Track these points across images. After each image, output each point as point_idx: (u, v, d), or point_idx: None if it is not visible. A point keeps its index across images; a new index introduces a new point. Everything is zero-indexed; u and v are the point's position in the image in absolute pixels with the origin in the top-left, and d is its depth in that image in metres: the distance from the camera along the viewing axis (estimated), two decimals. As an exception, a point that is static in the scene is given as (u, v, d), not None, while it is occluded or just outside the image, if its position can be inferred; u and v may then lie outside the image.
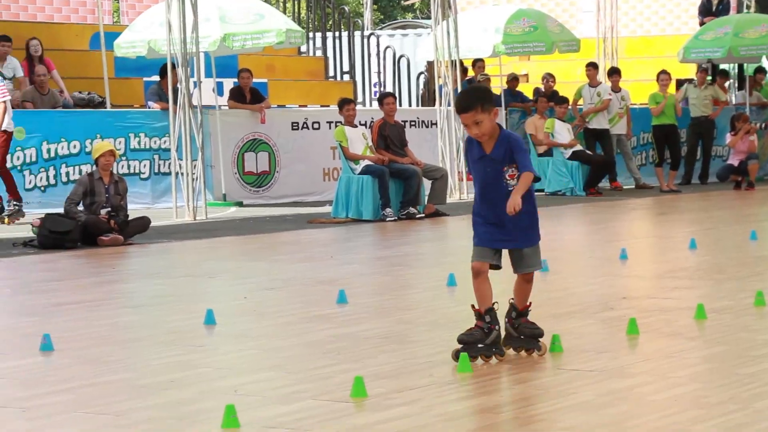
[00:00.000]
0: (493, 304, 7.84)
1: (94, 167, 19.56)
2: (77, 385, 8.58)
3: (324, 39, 39.20)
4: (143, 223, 19.67)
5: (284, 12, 36.09)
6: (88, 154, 23.33)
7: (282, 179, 28.39)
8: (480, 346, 7.79)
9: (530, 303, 8.14)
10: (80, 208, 19.00)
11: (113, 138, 23.84)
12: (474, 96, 7.57)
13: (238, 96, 28.25)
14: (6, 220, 20.96)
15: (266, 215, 25.00)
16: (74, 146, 25.13)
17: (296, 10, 40.95)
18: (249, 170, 27.78)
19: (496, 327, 7.81)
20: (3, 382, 8.99)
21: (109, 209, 18.71)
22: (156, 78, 27.77)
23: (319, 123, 28.45)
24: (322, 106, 31.85)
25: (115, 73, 29.58)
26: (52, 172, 24.86)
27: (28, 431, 7.31)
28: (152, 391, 8.34)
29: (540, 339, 8.07)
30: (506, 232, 7.70)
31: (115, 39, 28.52)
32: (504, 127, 28.12)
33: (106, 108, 27.81)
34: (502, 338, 7.99)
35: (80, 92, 28.80)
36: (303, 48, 36.87)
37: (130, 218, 19.36)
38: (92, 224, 18.55)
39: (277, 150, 28.06)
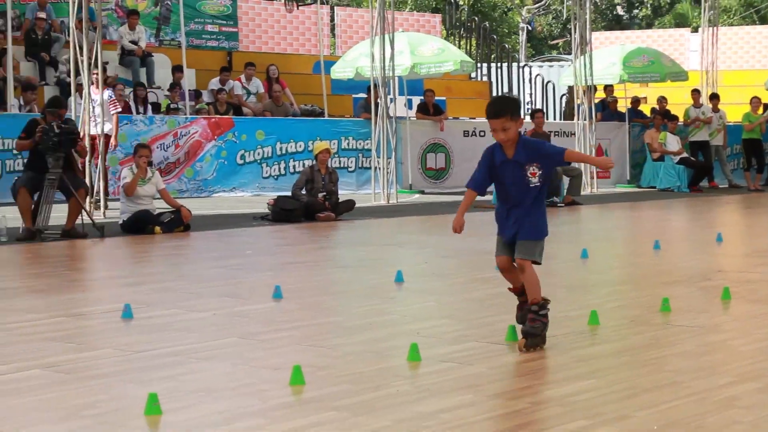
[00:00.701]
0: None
1: (314, 161, 19.91)
2: (300, 324, 9.01)
3: (489, 68, 39.88)
4: (350, 205, 19.97)
5: (459, 47, 36.04)
6: (309, 152, 23.70)
7: (455, 174, 27.43)
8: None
9: (544, 299, 6.88)
10: (303, 192, 19.20)
11: (329, 140, 23.95)
12: (506, 105, 6.88)
13: (423, 110, 28.68)
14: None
15: (442, 201, 24.66)
16: (300, 146, 25.43)
17: (468, 45, 41.00)
18: (430, 166, 27.84)
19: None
20: (245, 321, 9.31)
21: (325, 193, 19.15)
22: (362, 95, 28.04)
23: (484, 131, 26.77)
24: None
25: (331, 91, 29.97)
26: (282, 165, 25.24)
27: (263, 357, 7.61)
28: (355, 331, 8.76)
29: (530, 337, 6.81)
30: (514, 223, 6.86)
31: (332, 66, 29.04)
32: (626, 137, 27.01)
33: (324, 117, 28.39)
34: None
35: (305, 105, 29.28)
36: (473, 74, 37.16)
37: (340, 201, 19.70)
38: (312, 204, 18.95)
39: (452, 151, 28.00)
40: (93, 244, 15.58)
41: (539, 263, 6.97)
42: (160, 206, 17.30)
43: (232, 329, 8.77)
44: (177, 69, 26.31)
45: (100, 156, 19.11)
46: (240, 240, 16.89)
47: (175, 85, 25.87)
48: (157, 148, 22.60)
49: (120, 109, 20.59)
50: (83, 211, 15.69)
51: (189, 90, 26.15)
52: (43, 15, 25.45)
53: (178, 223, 16.67)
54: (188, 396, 6.48)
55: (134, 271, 13.43)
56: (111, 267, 13.99)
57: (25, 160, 17.00)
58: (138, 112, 24.17)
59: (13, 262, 14.21)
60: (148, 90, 25.65)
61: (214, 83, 27.15)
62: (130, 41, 26.87)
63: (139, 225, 16.39)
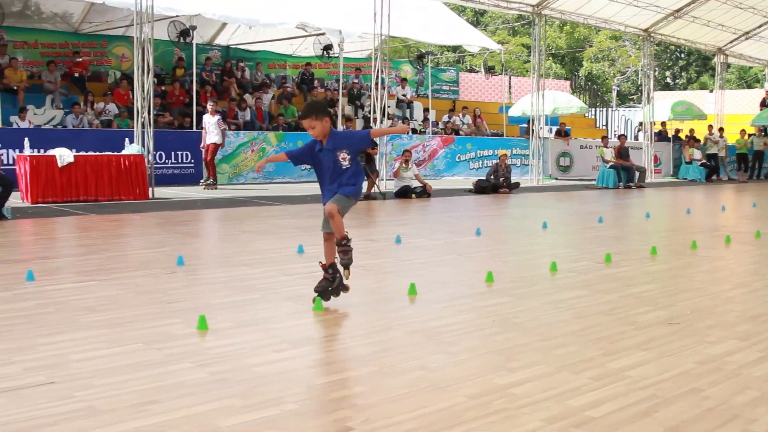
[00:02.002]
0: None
1: (498, 160, 21.30)
2: (493, 250, 10.74)
3: (595, 111, 42.81)
4: (517, 185, 21.38)
5: (579, 98, 36.00)
6: (495, 155, 25.63)
7: (575, 169, 29.30)
8: (330, 290, 6.40)
9: (346, 236, 6.27)
10: (492, 177, 20.63)
11: (506, 149, 25.48)
12: (310, 108, 6.20)
13: (558, 133, 30.08)
14: (204, 186, 19.26)
15: (567, 184, 26.13)
16: (489, 152, 27.83)
17: (584, 98, 42.78)
18: (561, 164, 29.06)
19: (338, 275, 6.37)
20: (460, 245, 10.93)
21: (503, 178, 20.68)
22: (524, 125, 29.07)
23: (592, 145, 29.47)
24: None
25: (508, 122, 30.64)
26: (480, 162, 27.64)
27: (468, 265, 9.44)
28: (516, 254, 10.58)
29: (348, 266, 6.35)
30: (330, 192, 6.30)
31: (509, 108, 31.17)
32: (671, 151, 30.71)
33: (503, 137, 29.70)
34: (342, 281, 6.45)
35: (493, 130, 30.87)
36: (586, 114, 38.47)
37: (512, 182, 21.01)
38: (496, 185, 20.16)
39: (573, 156, 29.34)
40: (377, 203, 17.15)
41: (342, 215, 6.15)
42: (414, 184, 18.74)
43: (454, 249, 9.70)
44: (425, 110, 29.31)
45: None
46: (458, 202, 17.50)
47: (425, 119, 29.05)
48: (415, 152, 24.58)
49: (225, 127, 20.35)
50: (376, 183, 18.08)
51: (432, 120, 29.18)
52: (356, 80, 29.15)
53: (425, 192, 18.42)
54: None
55: (405, 218, 14.43)
56: (390, 215, 14.88)
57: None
58: (407, 133, 26.66)
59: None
60: (410, 121, 28.80)
61: (445, 117, 30.23)
62: (402, 95, 29.93)
63: (404, 193, 18.45)
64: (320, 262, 6.46)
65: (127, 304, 6.34)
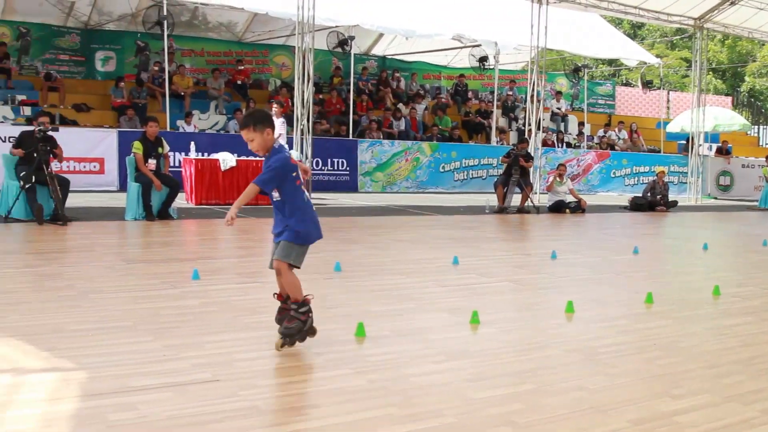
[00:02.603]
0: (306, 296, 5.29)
1: (656, 177, 20.40)
2: (647, 268, 10.86)
3: (758, 129, 40.85)
4: (674, 203, 20.77)
5: (742, 115, 35.60)
6: (652, 172, 25.08)
7: (736, 189, 28.67)
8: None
9: (304, 299, 5.23)
10: (648, 195, 20.16)
11: (664, 165, 24.36)
12: (249, 118, 5.13)
13: (719, 151, 29.62)
14: None
15: (727, 204, 25.19)
16: (646, 168, 27.26)
17: (746, 115, 41.42)
18: (721, 183, 28.60)
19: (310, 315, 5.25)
20: (614, 264, 11.01)
21: (660, 196, 20.00)
22: (683, 142, 28.30)
23: (754, 164, 28.58)
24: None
25: (665, 139, 30.10)
26: (636, 179, 27.16)
27: (625, 286, 9.47)
28: (679, 275, 10.44)
29: (287, 338, 5.16)
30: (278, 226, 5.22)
31: (667, 124, 30.49)
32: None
33: (660, 153, 29.09)
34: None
35: (650, 146, 30.25)
36: (749, 132, 37.29)
37: (669, 200, 20.42)
38: (653, 202, 19.62)
39: (735, 175, 28.76)
40: (530, 216, 17.08)
41: (297, 267, 5.20)
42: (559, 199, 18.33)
43: (611, 267, 9.49)
44: (581, 124, 29.17)
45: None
46: (613, 219, 17.31)
47: (579, 133, 28.91)
48: (569, 166, 23.65)
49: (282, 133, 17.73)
50: (529, 197, 17.71)
51: (586, 135, 28.93)
52: (511, 93, 29.20)
53: (579, 208, 18.08)
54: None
55: (559, 233, 14.20)
56: (544, 229, 14.74)
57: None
58: (558, 147, 27.01)
59: (495, 223, 15.59)
60: (564, 134, 28.65)
61: (600, 132, 29.78)
62: (556, 108, 29.78)
63: (557, 207, 18.15)
64: (275, 294, 5.40)
65: (284, 307, 6.42)
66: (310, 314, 5.23)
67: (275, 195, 5.18)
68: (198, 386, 4.37)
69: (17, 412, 3.93)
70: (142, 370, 4.63)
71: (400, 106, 25.82)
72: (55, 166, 12.62)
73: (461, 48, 27.43)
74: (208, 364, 4.76)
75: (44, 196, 12.13)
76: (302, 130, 17.49)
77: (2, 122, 18.97)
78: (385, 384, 4.51)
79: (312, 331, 5.30)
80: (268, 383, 4.49)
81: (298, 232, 5.19)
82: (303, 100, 17.36)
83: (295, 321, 5.17)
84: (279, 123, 17.21)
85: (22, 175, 12.05)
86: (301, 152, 17.25)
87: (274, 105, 18.03)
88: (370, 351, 5.23)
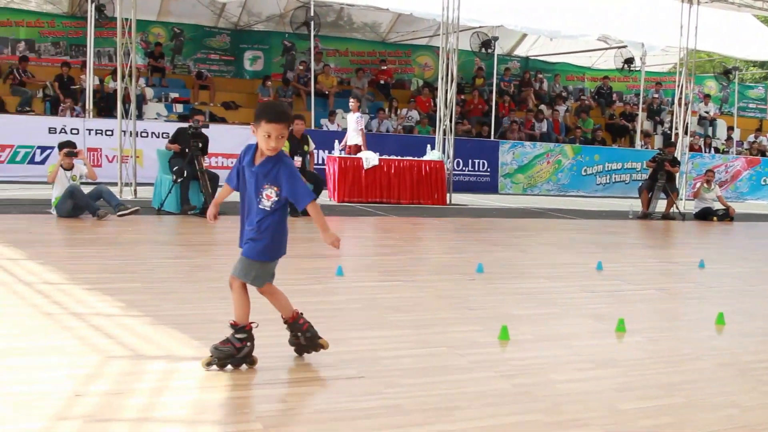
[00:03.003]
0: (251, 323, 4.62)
1: None
2: None
3: None
4: None
5: None
6: None
7: None
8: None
9: (247, 325, 4.60)
10: None
11: None
12: (288, 113, 4.57)
13: None
14: None
15: None
16: None
17: None
18: None
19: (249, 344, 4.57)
20: None
21: None
22: None
23: None
24: None
25: None
26: None
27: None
28: None
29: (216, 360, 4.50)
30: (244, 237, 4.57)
31: None
32: None
33: None
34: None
35: None
36: None
37: None
38: None
39: None
40: (676, 223, 16.49)
41: (257, 286, 4.64)
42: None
43: (764, 279, 9.15)
44: (730, 128, 28.10)
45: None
46: (763, 228, 16.68)
47: (728, 138, 27.65)
48: (717, 172, 22.25)
49: (362, 128, 17.38)
50: (675, 203, 17.11)
51: (736, 140, 27.83)
52: (657, 95, 28.32)
53: (727, 216, 17.36)
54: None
55: (706, 241, 13.63)
56: (690, 236, 14.20)
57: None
58: (706, 152, 26.20)
59: (639, 229, 15.05)
60: (712, 139, 27.46)
61: (751, 137, 28.70)
62: (704, 111, 28.77)
63: (704, 215, 17.33)
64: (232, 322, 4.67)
65: (430, 307, 6.45)
66: (248, 343, 4.57)
67: (267, 202, 4.52)
68: (344, 382, 4.42)
69: (171, 398, 4.05)
70: (289, 364, 4.71)
71: (543, 107, 25.50)
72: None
73: (606, 49, 26.84)
74: (354, 360, 4.80)
75: (195, 190, 12.49)
76: (444, 130, 17.52)
77: (156, 119, 19.74)
78: (529, 389, 4.44)
79: (252, 361, 4.60)
80: (412, 382, 4.46)
81: (266, 247, 4.60)
82: (446, 100, 17.37)
83: (228, 345, 4.52)
84: (354, 118, 17.24)
85: (174, 169, 12.46)
86: (443, 152, 17.27)
87: (351, 99, 17.93)
88: (513, 354, 5.17)
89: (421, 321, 5.91)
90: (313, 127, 19.17)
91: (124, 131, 14.78)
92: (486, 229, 12.77)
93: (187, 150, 12.47)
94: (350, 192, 15.69)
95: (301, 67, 23.11)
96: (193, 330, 5.34)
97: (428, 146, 17.46)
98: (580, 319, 6.31)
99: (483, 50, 22.39)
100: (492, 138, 22.33)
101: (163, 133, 17.51)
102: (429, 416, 3.96)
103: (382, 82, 24.86)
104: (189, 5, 22.91)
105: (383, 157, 16.26)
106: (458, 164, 20.20)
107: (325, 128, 20.43)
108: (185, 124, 13.11)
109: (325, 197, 14.56)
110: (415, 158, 16.77)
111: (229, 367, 4.48)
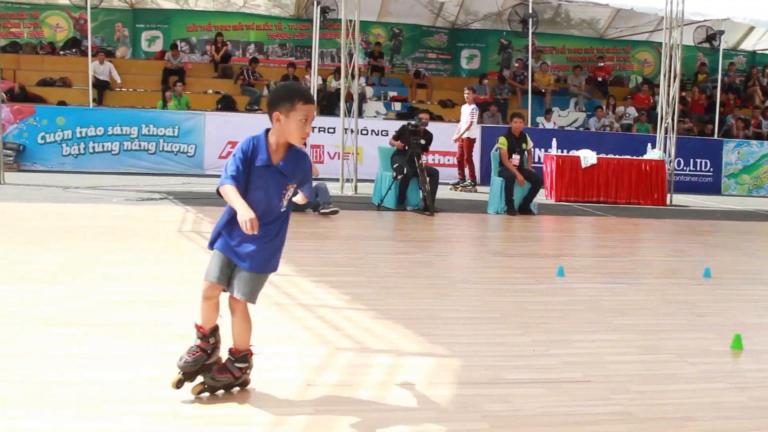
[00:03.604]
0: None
1: None
2: None
3: None
4: None
5: None
6: None
7: None
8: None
9: (245, 354, 4.02)
10: None
11: None
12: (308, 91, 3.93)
13: None
14: (458, 188, 16.47)
15: None
16: None
17: None
18: None
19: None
20: None
21: None
22: None
23: None
24: None
25: None
26: None
27: None
28: None
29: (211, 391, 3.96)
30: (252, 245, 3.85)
31: None
32: None
33: None
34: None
35: None
36: None
37: None
38: None
39: None
40: None
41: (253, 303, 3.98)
42: None
43: None
44: None
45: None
46: None
47: None
48: None
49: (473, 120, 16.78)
50: None
51: None
52: None
53: None
54: None
55: None
56: None
57: None
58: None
59: None
60: None
61: None
62: None
63: None
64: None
65: (657, 312, 6.22)
66: (248, 371, 4.08)
67: (284, 202, 3.99)
68: (570, 385, 4.32)
69: (397, 393, 4.10)
70: (513, 363, 4.66)
71: (771, 104, 24.01)
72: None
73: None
74: (579, 363, 4.69)
75: (414, 186, 12.66)
76: (666, 129, 16.86)
77: (375, 117, 20.16)
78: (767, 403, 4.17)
79: (244, 383, 4.10)
80: (641, 389, 4.30)
81: (275, 257, 4.03)
82: (668, 97, 16.72)
83: (227, 374, 3.99)
84: (469, 110, 16.60)
85: (395, 166, 12.67)
86: (664, 151, 16.64)
87: (467, 90, 17.39)
88: (748, 366, 4.90)
89: (648, 326, 5.70)
90: (529, 125, 18.97)
91: (346, 129, 15.14)
92: (710, 231, 12.15)
93: (407, 147, 12.58)
94: (567, 191, 15.42)
95: (517, 65, 22.94)
96: (418, 326, 5.38)
97: (648, 145, 16.90)
98: (822, 331, 5.80)
99: (707, 45, 21.36)
100: (715, 137, 21.31)
101: (382, 131, 17.87)
102: (661, 426, 3.81)
103: (599, 79, 24.28)
104: (408, 5, 23.26)
105: (601, 155, 15.85)
106: (679, 164, 19.35)
107: (541, 126, 20.22)
108: (408, 122, 13.20)
109: (542, 196, 14.34)
110: (635, 157, 16.19)
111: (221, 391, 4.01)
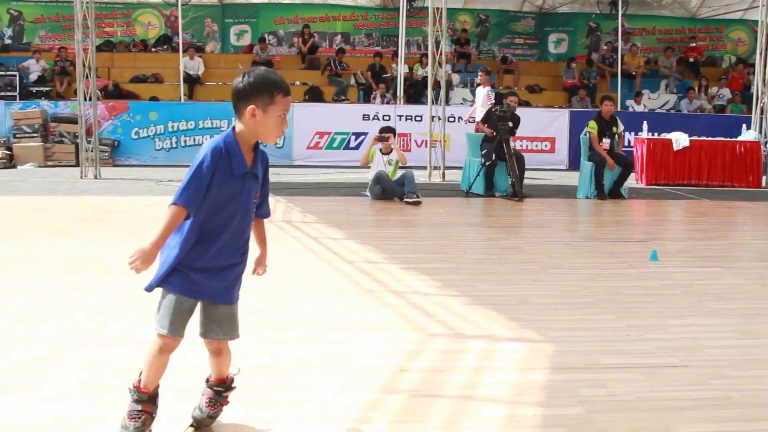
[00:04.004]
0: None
1: None
2: None
3: None
4: None
5: None
6: None
7: None
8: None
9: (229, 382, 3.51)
10: None
11: None
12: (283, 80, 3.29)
13: None
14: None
15: None
16: None
17: None
18: None
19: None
20: None
21: None
22: None
23: None
24: None
25: None
26: None
27: None
28: None
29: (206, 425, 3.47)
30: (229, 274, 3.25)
31: None
32: None
33: None
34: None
35: None
36: None
37: None
38: None
39: None
40: None
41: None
42: None
43: None
44: None
45: None
46: None
47: None
48: None
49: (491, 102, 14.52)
50: None
51: None
52: None
53: None
54: None
55: None
56: None
57: None
58: None
59: None
60: None
61: None
62: None
63: None
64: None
65: (755, 296, 6.07)
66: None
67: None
68: (666, 370, 4.25)
69: (492, 378, 4.10)
70: (608, 348, 4.61)
71: None
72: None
73: None
74: (675, 348, 4.61)
75: (502, 172, 12.58)
76: (761, 109, 16.36)
77: (462, 103, 20.08)
78: None
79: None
80: (740, 374, 4.21)
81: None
82: (764, 77, 16.21)
83: (218, 407, 3.52)
84: (485, 92, 15.85)
85: (483, 152, 12.61)
86: (760, 132, 16.15)
87: (480, 72, 16.63)
88: None
89: (746, 310, 5.56)
90: (619, 109, 18.62)
91: (433, 116, 15.12)
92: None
93: (495, 133, 12.50)
94: (659, 174, 15.10)
95: (605, 48, 22.56)
96: (510, 311, 5.37)
97: (743, 126, 16.41)
98: None
99: (805, 21, 20.60)
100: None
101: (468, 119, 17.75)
102: (762, 411, 3.74)
103: (691, 60, 23.68)
104: (494, -9, 23.08)
105: (693, 138, 15.47)
106: (775, 145, 18.67)
107: (631, 109, 19.83)
108: (495, 106, 13.05)
109: (632, 180, 14.08)
110: (728, 138, 15.77)
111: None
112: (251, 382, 3.89)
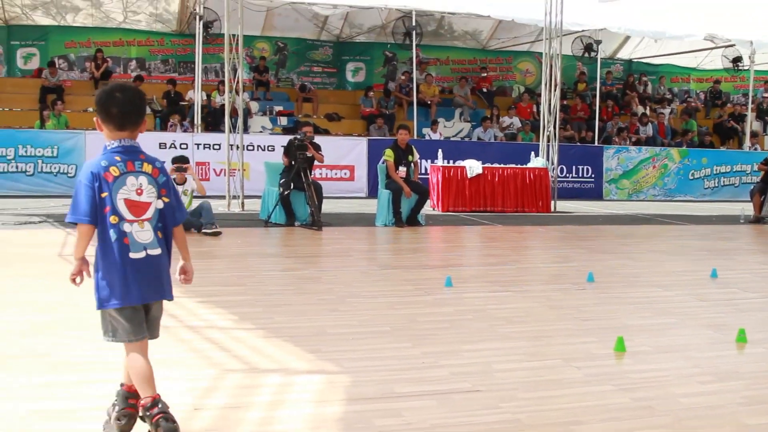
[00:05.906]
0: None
1: None
2: None
3: None
4: None
5: None
6: None
7: None
8: None
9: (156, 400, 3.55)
10: None
11: None
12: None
13: None
14: None
15: None
16: None
17: None
18: None
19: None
20: None
21: None
22: None
23: None
24: None
25: None
26: None
27: None
28: None
29: None
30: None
31: None
32: None
33: None
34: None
35: None
36: None
37: None
38: None
39: None
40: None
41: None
42: None
43: None
44: None
45: None
46: None
47: None
48: None
49: None
50: None
51: None
52: (766, 95, 29.39)
53: None
54: None
55: None
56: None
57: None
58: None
59: (752, 233, 14.18)
60: None
61: None
62: None
63: None
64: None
65: (543, 318, 6.34)
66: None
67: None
68: (459, 395, 4.34)
69: (287, 412, 4.05)
70: (403, 377, 4.66)
71: (647, 110, 24.90)
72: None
73: (713, 49, 25.98)
74: (468, 373, 4.73)
75: (301, 201, 12.61)
76: (548, 137, 17.29)
77: (261, 132, 20.06)
78: (651, 403, 4.30)
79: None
80: (529, 396, 4.37)
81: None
82: (550, 106, 17.16)
83: (167, 412, 3.63)
84: None
85: (281, 182, 12.59)
86: (547, 159, 17.06)
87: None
88: (631, 367, 5.02)
89: (534, 332, 5.81)
90: (415, 137, 19.16)
91: (232, 145, 14.99)
92: (593, 236, 12.50)
93: (293, 162, 12.53)
94: (454, 201, 15.65)
95: (402, 77, 23.20)
96: (306, 343, 5.35)
97: (532, 153, 17.28)
98: (698, 330, 6.09)
99: (586, 54, 22.08)
100: (596, 143, 21.99)
101: (268, 146, 17.78)
102: (549, 431, 3.88)
103: (483, 89, 24.75)
104: (292, 19, 23.23)
105: (486, 165, 16.13)
106: (562, 171, 19.88)
107: (427, 137, 20.48)
108: (294, 136, 13.12)
109: (428, 207, 14.50)
110: (519, 166, 16.57)
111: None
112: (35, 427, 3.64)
